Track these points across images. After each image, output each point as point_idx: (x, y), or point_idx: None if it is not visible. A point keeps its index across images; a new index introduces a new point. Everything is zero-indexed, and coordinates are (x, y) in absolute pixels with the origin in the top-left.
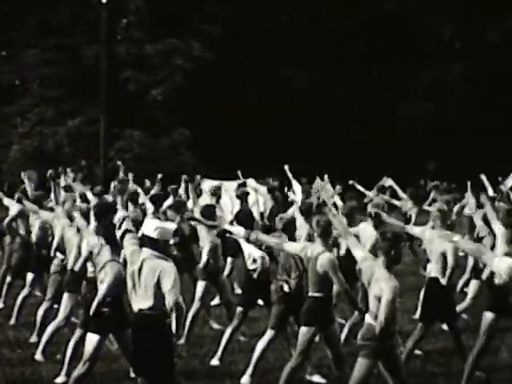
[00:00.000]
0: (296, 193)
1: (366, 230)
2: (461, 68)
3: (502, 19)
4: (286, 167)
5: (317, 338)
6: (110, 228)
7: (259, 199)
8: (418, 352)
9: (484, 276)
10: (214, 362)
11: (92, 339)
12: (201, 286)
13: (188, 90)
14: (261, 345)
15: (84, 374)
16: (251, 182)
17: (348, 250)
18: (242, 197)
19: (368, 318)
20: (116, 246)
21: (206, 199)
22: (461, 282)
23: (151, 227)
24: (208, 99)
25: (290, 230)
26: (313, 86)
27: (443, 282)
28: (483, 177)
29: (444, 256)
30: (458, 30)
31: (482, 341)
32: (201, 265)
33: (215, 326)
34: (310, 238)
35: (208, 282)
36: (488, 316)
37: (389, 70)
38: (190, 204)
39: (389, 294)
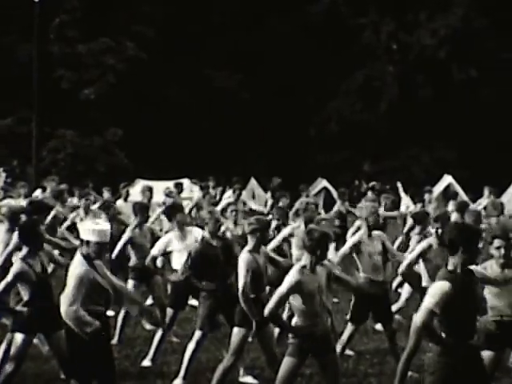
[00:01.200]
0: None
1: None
2: (395, 69)
3: (435, 21)
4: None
5: (250, 339)
6: (25, 229)
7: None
8: (350, 352)
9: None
10: (146, 362)
11: (17, 338)
12: (129, 284)
13: (121, 90)
14: (191, 346)
15: (11, 373)
16: (185, 181)
17: None
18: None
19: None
20: (33, 247)
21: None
22: (395, 283)
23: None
24: (141, 99)
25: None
26: (243, 87)
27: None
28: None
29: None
30: (395, 31)
31: (412, 341)
32: (129, 263)
33: (148, 326)
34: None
35: (137, 281)
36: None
37: (320, 71)
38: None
39: (282, 287)
